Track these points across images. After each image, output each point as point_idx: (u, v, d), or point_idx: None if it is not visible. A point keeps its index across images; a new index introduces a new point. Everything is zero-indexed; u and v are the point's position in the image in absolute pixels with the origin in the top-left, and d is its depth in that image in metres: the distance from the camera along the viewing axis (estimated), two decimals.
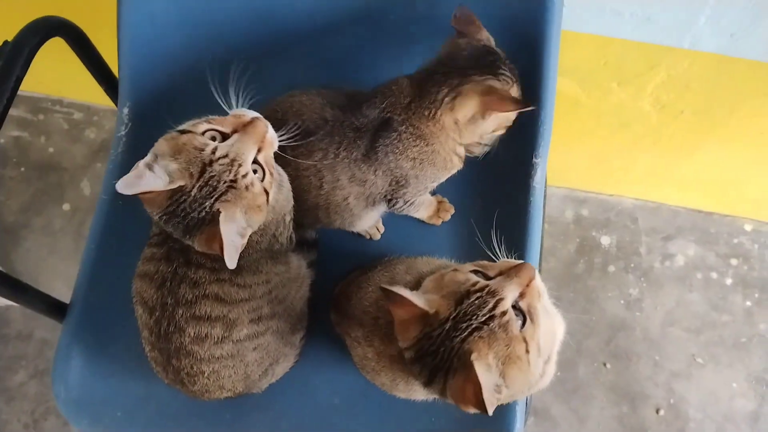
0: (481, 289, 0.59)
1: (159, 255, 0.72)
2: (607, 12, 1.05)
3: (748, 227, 1.64)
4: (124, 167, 0.94)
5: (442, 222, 0.93)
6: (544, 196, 1.06)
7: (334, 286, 0.89)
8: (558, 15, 0.83)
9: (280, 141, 0.70)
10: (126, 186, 0.62)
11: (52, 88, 1.64)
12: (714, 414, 1.49)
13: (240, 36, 0.92)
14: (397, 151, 0.75)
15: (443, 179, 0.82)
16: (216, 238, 0.63)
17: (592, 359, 1.52)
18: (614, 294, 1.58)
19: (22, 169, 1.61)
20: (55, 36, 0.81)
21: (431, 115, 0.73)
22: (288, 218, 0.76)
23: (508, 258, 0.66)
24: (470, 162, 0.98)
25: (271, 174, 0.68)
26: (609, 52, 1.15)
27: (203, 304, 0.71)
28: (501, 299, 0.58)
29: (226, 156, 0.64)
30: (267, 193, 0.67)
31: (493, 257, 0.68)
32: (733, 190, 1.56)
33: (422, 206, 0.88)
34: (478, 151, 0.80)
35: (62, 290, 0.96)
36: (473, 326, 0.57)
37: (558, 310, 0.69)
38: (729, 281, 1.59)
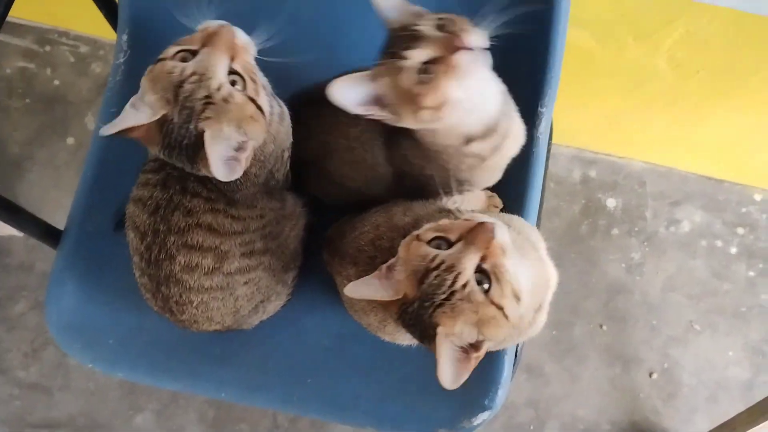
0: (438, 266, 0.58)
1: (155, 181, 0.72)
2: None
3: (758, 197, 1.61)
4: (123, 95, 0.92)
5: None
6: (548, 151, 1.04)
7: (329, 227, 0.88)
8: None
9: (258, 45, 0.68)
10: (109, 127, 0.62)
11: (59, 19, 1.62)
12: (707, 381, 1.49)
13: None
14: None
15: None
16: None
17: (588, 320, 1.52)
18: (616, 257, 1.56)
19: (27, 100, 1.60)
20: None
21: None
22: (286, 155, 0.75)
23: (472, 213, 0.64)
24: None
25: (254, 81, 0.66)
26: (627, 4, 1.11)
27: (196, 233, 0.70)
28: (459, 273, 0.57)
29: (194, 73, 0.62)
30: (254, 101, 0.65)
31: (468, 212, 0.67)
32: (747, 157, 1.52)
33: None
34: None
35: (64, 223, 0.96)
36: (436, 304, 0.58)
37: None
38: (734, 250, 1.57)
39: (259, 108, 0.66)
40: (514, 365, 0.91)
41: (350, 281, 0.74)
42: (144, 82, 0.64)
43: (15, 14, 1.59)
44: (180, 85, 0.62)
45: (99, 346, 0.89)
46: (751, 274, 1.56)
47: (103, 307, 0.90)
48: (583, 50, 1.24)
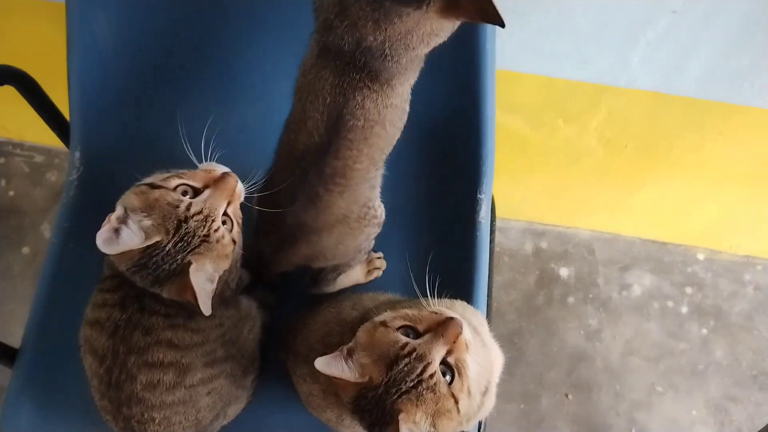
0: (409, 354, 0.61)
1: (112, 301, 0.73)
2: (546, 54, 1.10)
3: (700, 256, 1.69)
4: (76, 211, 0.95)
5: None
6: (493, 231, 1.09)
7: (283, 324, 0.90)
8: (491, 57, 0.87)
9: (247, 192, 0.72)
10: (106, 244, 0.63)
11: (13, 132, 1.65)
12: None
13: (194, 84, 0.94)
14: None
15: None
16: (187, 287, 0.64)
17: (554, 390, 1.54)
18: (574, 325, 1.61)
19: None
20: (5, 84, 0.82)
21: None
22: (238, 264, 0.78)
23: (437, 301, 0.68)
24: (418, 201, 1.01)
25: (239, 224, 0.70)
26: (552, 91, 1.20)
27: (156, 351, 0.71)
28: (428, 363, 0.60)
29: (200, 212, 0.66)
30: (235, 243, 0.69)
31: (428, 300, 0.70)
32: (683, 219, 1.61)
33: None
34: None
35: (20, 335, 0.96)
36: (402, 390, 0.60)
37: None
38: (684, 309, 1.63)
39: (234, 248, 0.70)
40: None
41: (305, 380, 0.76)
42: (134, 200, 0.66)
43: None
44: (185, 220, 0.65)
45: None
46: (704, 331, 1.61)
47: (60, 426, 0.88)
48: (518, 133, 1.32)
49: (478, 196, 0.96)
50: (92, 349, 0.73)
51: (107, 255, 0.68)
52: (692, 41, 1.04)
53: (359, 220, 0.82)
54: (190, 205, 0.66)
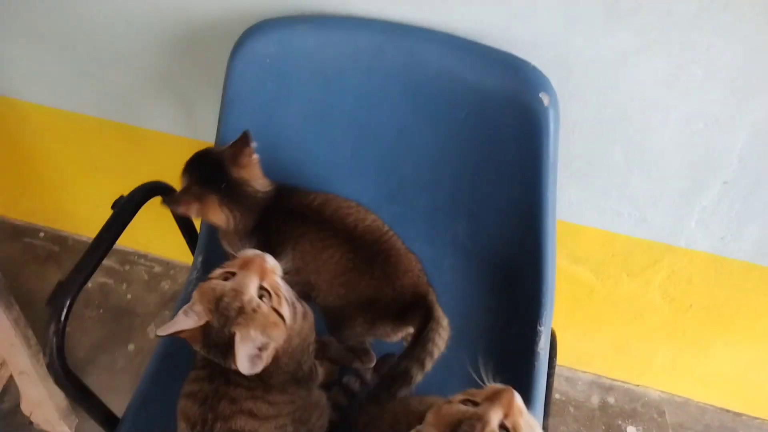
0: (471, 417, 0.70)
1: (203, 376, 0.87)
2: (608, 212, 1.23)
3: None
4: None
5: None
6: (552, 367, 1.16)
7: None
8: (552, 203, 1.01)
9: (284, 268, 0.86)
10: (163, 330, 0.80)
11: (140, 244, 1.92)
12: None
13: None
14: None
15: None
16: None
17: None
18: None
19: (101, 311, 1.83)
20: (158, 195, 1.05)
21: None
22: (311, 348, 0.91)
23: (493, 383, 0.77)
24: (485, 329, 1.12)
25: (278, 295, 0.83)
26: (615, 246, 1.30)
27: (239, 419, 0.83)
28: (487, 422, 0.69)
29: (232, 289, 0.80)
30: (276, 311, 0.81)
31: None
32: (756, 390, 1.58)
33: None
34: None
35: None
36: None
37: None
38: None
39: (281, 315, 0.83)
40: None
41: None
42: (195, 294, 0.82)
43: None
44: (221, 298, 0.80)
45: None
46: None
47: None
48: (584, 283, 1.42)
49: (539, 328, 1.05)
50: (185, 416, 0.86)
51: None
52: (745, 209, 1.14)
53: None
54: (223, 286, 0.80)
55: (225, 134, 1.11)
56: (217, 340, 0.79)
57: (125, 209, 0.98)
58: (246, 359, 0.78)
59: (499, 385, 0.74)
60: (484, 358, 1.03)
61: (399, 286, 0.95)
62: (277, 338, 0.83)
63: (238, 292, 0.80)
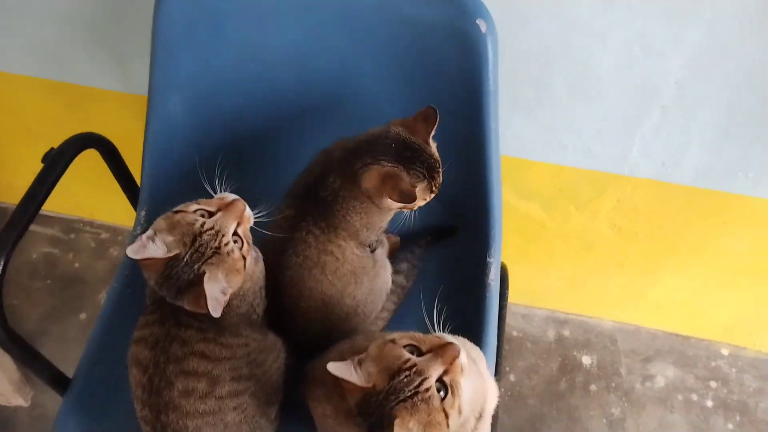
0: (410, 368, 0.70)
1: (152, 320, 0.85)
2: (554, 145, 1.24)
3: (725, 351, 1.70)
4: (135, 262, 1.09)
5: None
6: (504, 298, 1.18)
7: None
8: (495, 135, 1.01)
9: (255, 218, 0.86)
10: (134, 252, 0.78)
11: (85, 211, 1.86)
12: None
13: (244, 150, 1.12)
14: (345, 210, 0.90)
15: (389, 218, 0.96)
16: (202, 296, 0.76)
17: None
18: (596, 413, 1.62)
19: (48, 281, 1.78)
20: (91, 147, 1.01)
21: (354, 181, 0.88)
22: (263, 292, 0.90)
23: (442, 333, 0.77)
24: (437, 264, 1.12)
25: (248, 244, 0.83)
26: (562, 179, 1.32)
27: (191, 360, 0.82)
28: (425, 378, 0.69)
29: (212, 228, 0.79)
30: (244, 258, 0.81)
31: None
32: (705, 314, 1.64)
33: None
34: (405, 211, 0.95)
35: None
36: (400, 399, 0.69)
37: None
38: (710, 403, 1.63)
39: (245, 264, 0.82)
40: None
41: (319, 402, 0.85)
42: (161, 223, 0.81)
43: (45, 207, 1.84)
44: (200, 234, 0.79)
45: None
46: (730, 426, 1.60)
47: None
48: (534, 220, 1.44)
49: (488, 260, 1.06)
50: (137, 361, 0.84)
51: (148, 285, 0.82)
52: (684, 133, 1.16)
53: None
54: (204, 223, 0.79)
55: (158, 83, 1.07)
56: (180, 274, 0.78)
57: (57, 161, 0.93)
58: (214, 299, 0.77)
59: (446, 337, 0.74)
60: (438, 295, 1.04)
61: None
62: (235, 285, 0.82)
63: (218, 233, 0.79)
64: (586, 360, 1.70)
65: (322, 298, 0.94)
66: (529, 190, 1.37)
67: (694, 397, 1.64)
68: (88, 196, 1.77)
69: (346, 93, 1.07)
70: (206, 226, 0.79)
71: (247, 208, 0.84)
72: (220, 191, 0.87)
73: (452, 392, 0.70)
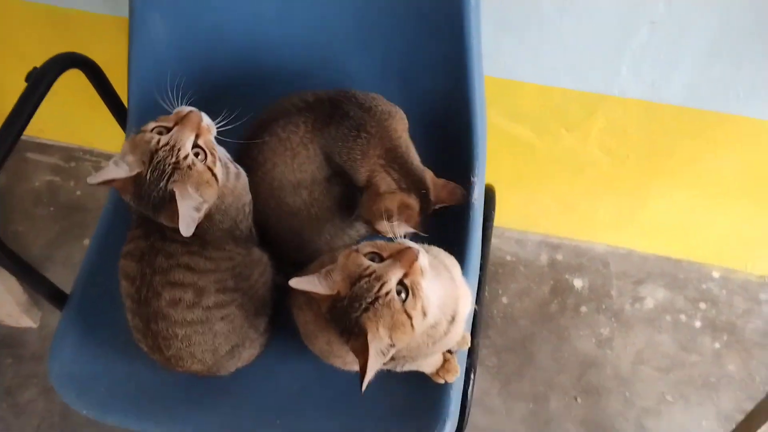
0: (370, 274, 0.72)
1: (138, 234, 0.88)
2: (543, 66, 1.23)
3: (715, 274, 1.73)
4: None
5: None
6: (490, 219, 1.20)
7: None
8: (477, 52, 1.00)
9: (218, 126, 0.87)
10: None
11: (84, 140, 1.88)
12: None
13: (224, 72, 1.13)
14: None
15: None
16: (177, 212, 0.78)
17: (564, 393, 1.59)
18: (586, 333, 1.66)
19: (51, 209, 1.82)
20: (74, 68, 1.01)
21: None
22: (247, 209, 0.92)
23: (403, 239, 0.79)
24: None
25: (213, 154, 0.83)
26: (552, 100, 1.31)
27: (176, 272, 0.85)
28: (384, 282, 0.72)
29: (167, 144, 0.80)
30: (211, 170, 0.82)
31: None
32: (696, 237, 1.66)
33: None
34: None
35: None
36: (363, 305, 0.71)
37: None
38: (698, 324, 1.67)
39: (214, 175, 0.83)
40: (466, 404, 1.01)
41: (302, 310, 0.88)
42: (126, 145, 0.82)
43: (45, 136, 1.87)
44: (155, 151, 0.80)
45: (92, 393, 1.00)
46: (717, 345, 1.64)
47: (98, 359, 1.02)
48: (525, 142, 1.44)
49: (472, 179, 1.07)
50: (125, 274, 0.88)
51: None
52: (674, 50, 1.15)
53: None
54: (159, 140, 0.80)
55: (138, 2, 1.06)
56: (149, 192, 0.80)
57: (40, 80, 0.94)
58: (188, 216, 0.79)
59: (406, 243, 0.76)
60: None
61: None
62: (210, 197, 0.83)
63: (173, 148, 0.80)
64: (577, 283, 1.73)
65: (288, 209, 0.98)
66: (520, 112, 1.36)
67: (683, 317, 1.68)
68: (87, 123, 1.78)
69: (331, 21, 1.06)
70: (161, 143, 0.80)
71: (206, 118, 0.85)
72: (178, 105, 0.87)
73: (413, 294, 0.72)
